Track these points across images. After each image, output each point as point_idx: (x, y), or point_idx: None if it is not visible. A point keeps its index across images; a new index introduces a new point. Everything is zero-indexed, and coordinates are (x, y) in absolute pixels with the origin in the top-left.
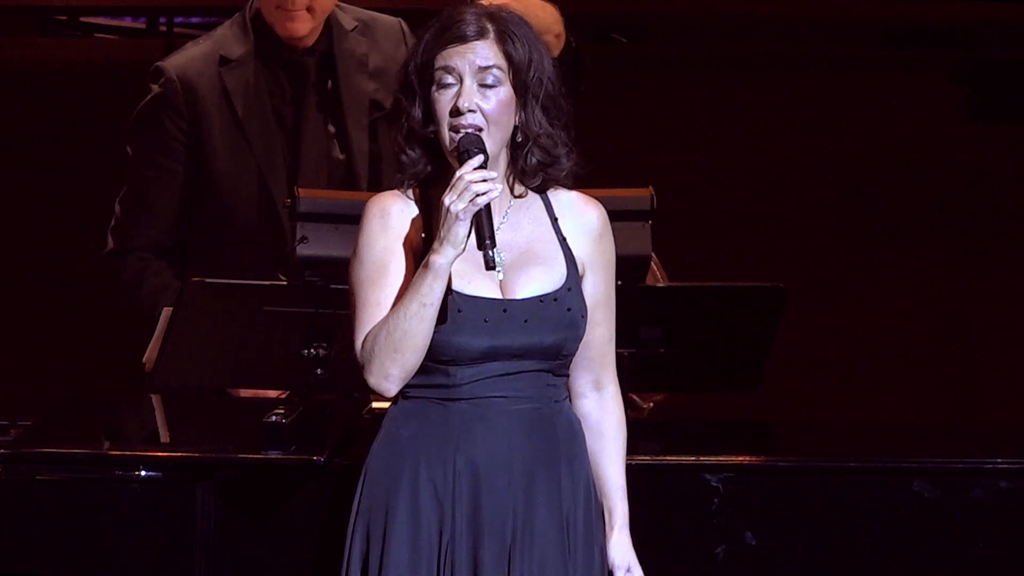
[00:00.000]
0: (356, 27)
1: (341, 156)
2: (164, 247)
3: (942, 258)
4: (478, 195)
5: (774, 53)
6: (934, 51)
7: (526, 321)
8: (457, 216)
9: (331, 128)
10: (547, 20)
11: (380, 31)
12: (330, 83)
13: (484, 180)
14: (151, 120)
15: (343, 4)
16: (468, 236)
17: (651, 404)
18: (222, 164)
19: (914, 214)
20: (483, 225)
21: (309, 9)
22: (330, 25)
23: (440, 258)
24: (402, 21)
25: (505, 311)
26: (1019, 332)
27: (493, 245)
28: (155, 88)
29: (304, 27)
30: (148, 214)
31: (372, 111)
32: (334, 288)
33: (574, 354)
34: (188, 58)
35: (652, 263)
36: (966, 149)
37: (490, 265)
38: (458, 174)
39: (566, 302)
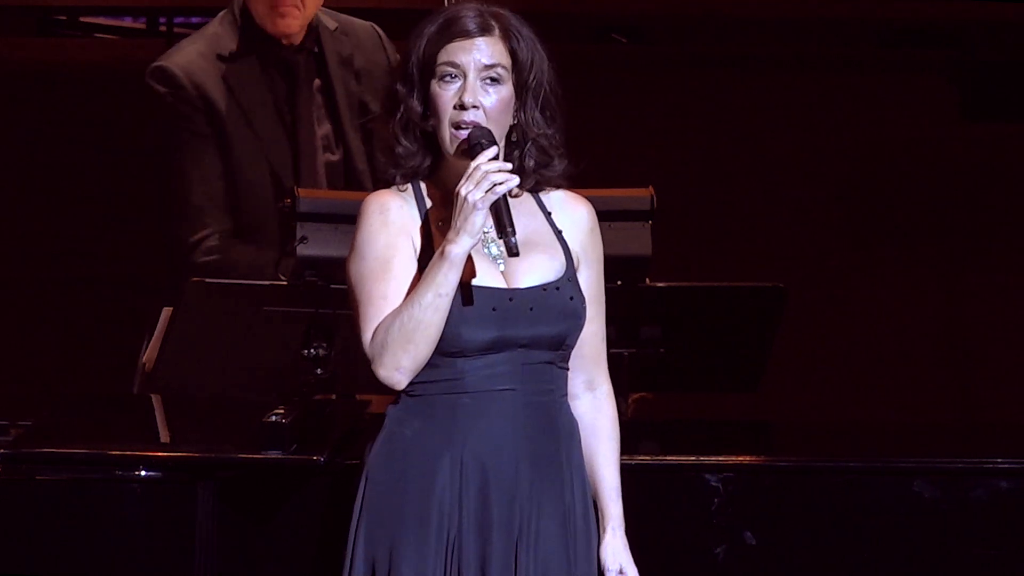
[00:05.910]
0: (337, 28)
1: (335, 156)
2: (229, 229)
3: (941, 258)
4: (496, 184)
5: (774, 53)
6: (933, 51)
7: (531, 309)
8: (475, 205)
9: (321, 128)
10: None
11: (360, 34)
12: (320, 82)
13: (500, 170)
14: (174, 117)
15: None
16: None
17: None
18: (236, 158)
19: (914, 214)
20: (502, 213)
21: (297, 7)
22: (315, 26)
23: (456, 247)
24: (375, 25)
25: (511, 300)
26: (1018, 332)
27: (514, 232)
28: (163, 89)
29: (297, 22)
30: (204, 203)
31: (361, 113)
32: (334, 288)
33: (574, 346)
34: (188, 56)
35: None
36: (965, 149)
37: (513, 252)
38: (474, 164)
39: (567, 291)
